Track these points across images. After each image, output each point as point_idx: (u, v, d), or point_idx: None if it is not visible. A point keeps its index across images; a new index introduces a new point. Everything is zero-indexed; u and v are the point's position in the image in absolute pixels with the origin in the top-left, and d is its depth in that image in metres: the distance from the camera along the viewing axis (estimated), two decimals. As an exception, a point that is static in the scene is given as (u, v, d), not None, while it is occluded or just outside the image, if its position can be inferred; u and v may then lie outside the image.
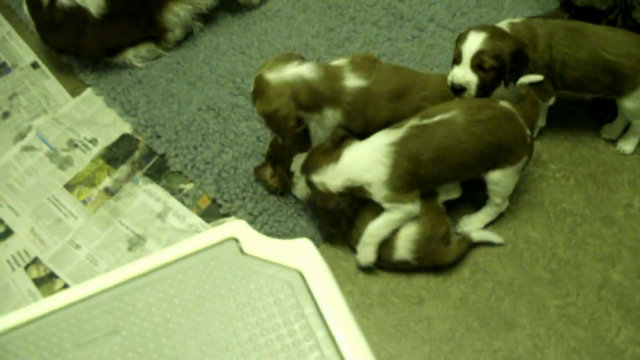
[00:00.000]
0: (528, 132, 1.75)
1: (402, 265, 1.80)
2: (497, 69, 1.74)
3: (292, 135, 1.82)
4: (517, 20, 1.88)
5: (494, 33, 1.76)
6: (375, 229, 1.75)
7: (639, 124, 1.99)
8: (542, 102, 1.92)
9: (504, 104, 1.74)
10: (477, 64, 1.75)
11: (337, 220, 1.83)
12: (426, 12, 2.49)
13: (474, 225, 1.87)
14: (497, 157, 1.73)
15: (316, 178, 1.75)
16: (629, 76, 1.85)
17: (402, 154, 1.69)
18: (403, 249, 1.76)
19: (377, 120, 1.80)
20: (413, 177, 1.70)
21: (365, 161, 1.71)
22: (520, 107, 1.77)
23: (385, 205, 1.72)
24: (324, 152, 1.77)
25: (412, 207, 1.73)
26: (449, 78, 1.79)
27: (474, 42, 1.74)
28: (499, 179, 1.76)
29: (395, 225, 1.75)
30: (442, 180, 1.78)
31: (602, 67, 1.86)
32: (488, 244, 1.85)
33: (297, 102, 1.72)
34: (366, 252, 1.78)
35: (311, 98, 1.74)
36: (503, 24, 1.85)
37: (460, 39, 1.79)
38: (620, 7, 2.07)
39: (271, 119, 1.74)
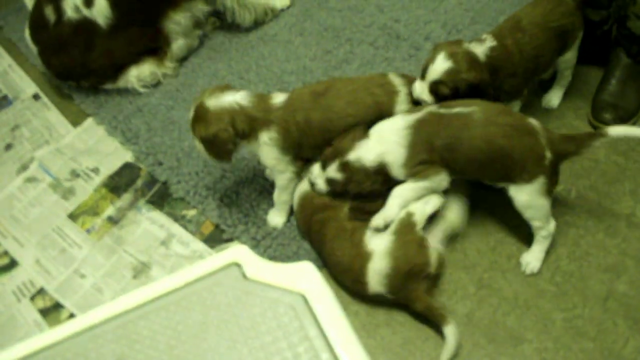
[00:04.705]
0: (548, 154, 1.70)
1: (381, 298, 1.77)
2: (452, 95, 1.79)
3: (229, 159, 1.85)
4: (492, 43, 1.86)
5: (460, 64, 1.78)
6: (400, 191, 1.75)
7: (569, 74, 2.12)
8: (520, 103, 2.00)
9: (529, 119, 1.74)
10: (434, 90, 1.80)
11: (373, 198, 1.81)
12: (422, 31, 2.51)
13: (536, 260, 1.83)
14: (509, 168, 1.71)
15: (352, 155, 1.75)
16: (571, 31, 1.97)
17: (418, 135, 1.70)
18: (375, 283, 1.73)
19: (312, 125, 1.83)
20: (430, 156, 1.71)
21: (387, 141, 1.73)
22: (549, 131, 1.74)
23: (411, 179, 1.74)
24: (351, 137, 1.78)
25: (440, 178, 1.73)
26: (413, 86, 1.85)
27: (436, 69, 1.79)
28: (521, 200, 1.74)
29: (422, 192, 1.75)
30: (456, 170, 1.75)
31: (555, 37, 1.94)
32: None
33: (235, 128, 1.79)
34: (392, 209, 1.75)
35: (247, 123, 1.80)
36: (485, 44, 1.85)
37: (434, 53, 1.82)
38: (614, 17, 2.09)
39: (211, 144, 1.80)
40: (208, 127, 1.78)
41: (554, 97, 2.17)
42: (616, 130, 1.70)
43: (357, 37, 2.53)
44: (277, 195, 1.94)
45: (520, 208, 1.76)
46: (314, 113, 1.83)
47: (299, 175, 1.90)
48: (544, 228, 1.80)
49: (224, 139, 1.78)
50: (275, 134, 1.81)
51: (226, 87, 1.85)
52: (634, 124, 2.12)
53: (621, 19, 2.06)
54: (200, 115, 1.80)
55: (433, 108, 1.74)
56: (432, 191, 1.76)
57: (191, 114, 1.83)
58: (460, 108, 1.72)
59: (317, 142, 1.84)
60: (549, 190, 1.74)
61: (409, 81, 1.88)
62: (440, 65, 1.78)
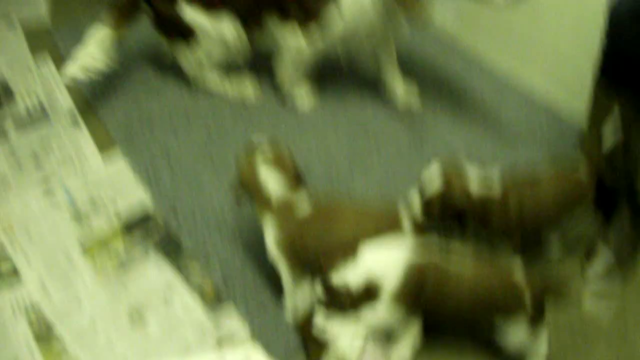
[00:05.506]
0: (528, 297, 1.71)
1: None
2: (442, 213, 1.95)
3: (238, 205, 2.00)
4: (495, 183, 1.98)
5: (451, 188, 1.92)
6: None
7: None
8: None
9: (513, 267, 1.77)
10: (425, 208, 1.96)
11: None
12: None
13: None
14: (493, 321, 1.76)
15: (337, 279, 1.66)
16: (582, 205, 2.04)
17: (411, 274, 1.67)
18: None
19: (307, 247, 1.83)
20: (416, 300, 1.70)
21: (383, 266, 1.68)
22: (532, 275, 1.76)
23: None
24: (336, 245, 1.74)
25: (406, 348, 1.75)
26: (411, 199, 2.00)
27: (429, 190, 1.94)
28: (511, 342, 1.78)
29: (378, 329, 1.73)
30: (439, 319, 1.80)
31: (564, 213, 2.03)
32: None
33: (250, 196, 1.93)
34: (344, 339, 1.70)
35: (261, 206, 1.90)
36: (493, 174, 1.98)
37: (431, 170, 1.97)
38: (623, 187, 2.10)
39: (238, 179, 1.95)
40: (237, 175, 1.95)
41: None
42: None
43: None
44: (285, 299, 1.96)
45: (510, 349, 1.81)
46: (310, 239, 1.83)
47: (299, 283, 1.89)
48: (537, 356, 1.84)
49: (237, 193, 1.95)
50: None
51: (283, 169, 1.90)
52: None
53: (631, 194, 2.08)
54: (243, 163, 1.94)
55: (434, 257, 1.74)
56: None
57: (248, 147, 1.97)
58: (456, 267, 1.74)
59: (308, 260, 1.84)
60: (536, 328, 1.76)
61: (420, 230, 1.87)
62: (433, 186, 1.93)
